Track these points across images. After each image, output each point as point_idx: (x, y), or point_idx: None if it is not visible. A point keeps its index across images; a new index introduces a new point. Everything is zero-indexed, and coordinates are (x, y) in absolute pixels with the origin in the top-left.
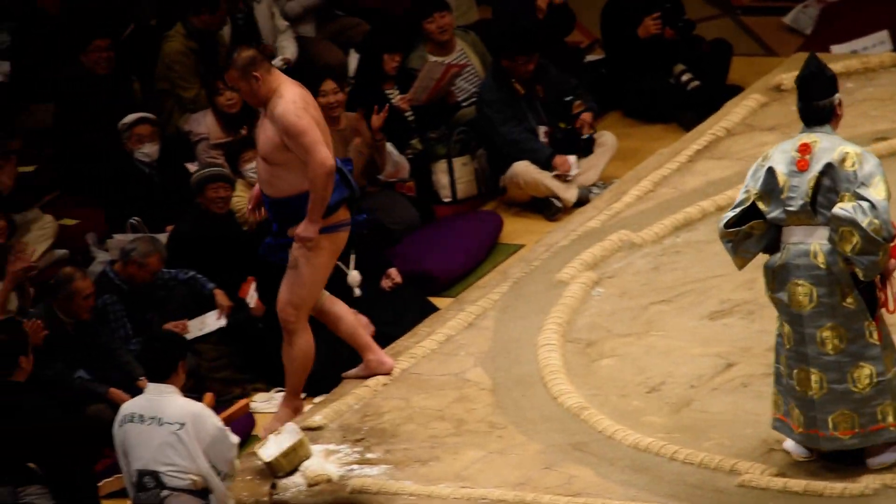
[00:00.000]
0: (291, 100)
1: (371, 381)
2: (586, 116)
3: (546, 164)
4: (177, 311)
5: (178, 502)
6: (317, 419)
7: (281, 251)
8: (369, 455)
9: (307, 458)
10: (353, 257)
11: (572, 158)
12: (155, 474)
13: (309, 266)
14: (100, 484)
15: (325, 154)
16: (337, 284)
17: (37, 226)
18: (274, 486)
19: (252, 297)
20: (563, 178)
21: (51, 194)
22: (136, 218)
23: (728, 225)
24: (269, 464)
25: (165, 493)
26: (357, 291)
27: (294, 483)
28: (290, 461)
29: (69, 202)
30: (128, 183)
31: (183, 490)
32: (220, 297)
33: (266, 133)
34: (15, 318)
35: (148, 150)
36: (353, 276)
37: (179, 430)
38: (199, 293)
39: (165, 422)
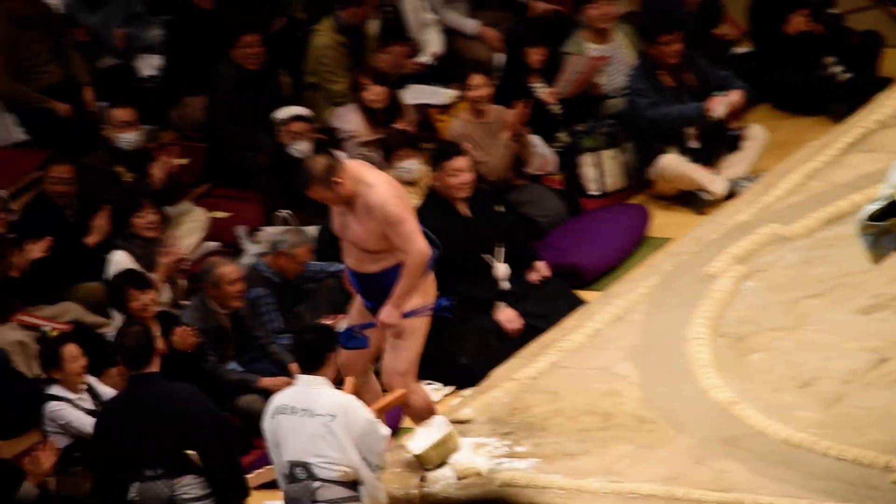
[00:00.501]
0: (384, 189)
1: (520, 375)
2: (735, 95)
3: (700, 118)
4: (326, 304)
5: (329, 493)
6: (466, 412)
7: (357, 340)
8: (518, 448)
9: (456, 450)
10: (501, 250)
11: (722, 98)
12: (306, 465)
13: (413, 336)
14: (251, 475)
15: (423, 243)
16: (484, 278)
17: (188, 218)
18: (423, 479)
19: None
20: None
21: (202, 187)
22: (286, 211)
23: (870, 218)
24: (418, 456)
25: (317, 484)
26: (504, 285)
27: (443, 476)
28: (440, 454)
29: (220, 195)
30: (283, 176)
31: (334, 481)
32: None
33: (363, 225)
34: (169, 312)
35: (301, 148)
36: (501, 269)
37: (330, 421)
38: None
39: (317, 413)
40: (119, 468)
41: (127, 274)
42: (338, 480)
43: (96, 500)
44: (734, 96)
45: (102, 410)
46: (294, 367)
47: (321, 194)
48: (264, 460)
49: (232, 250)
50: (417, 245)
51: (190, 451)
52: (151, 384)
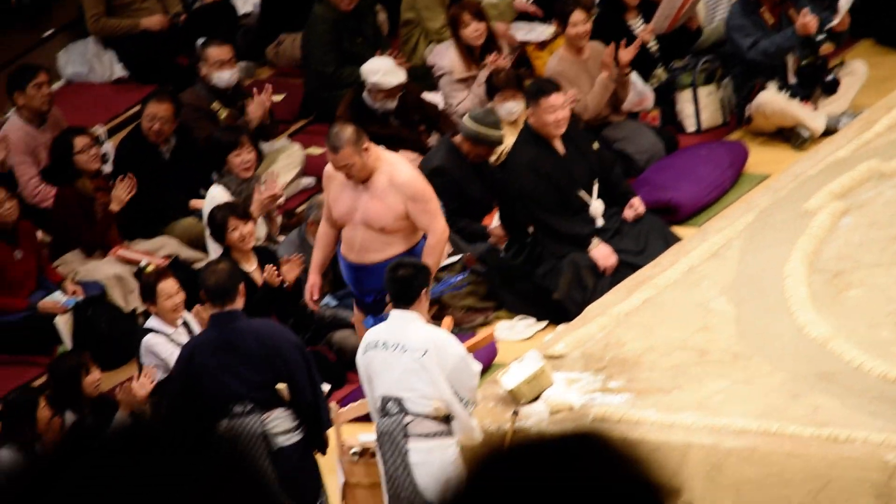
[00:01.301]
0: (410, 167)
1: (614, 310)
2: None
3: (796, 40)
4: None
5: (421, 428)
6: (559, 348)
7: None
8: (611, 384)
9: (549, 386)
10: (595, 186)
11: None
12: (398, 400)
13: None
14: (343, 409)
15: (444, 221)
16: (580, 215)
17: (284, 155)
18: (516, 414)
19: (496, 224)
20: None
21: (298, 124)
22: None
23: None
24: (511, 391)
25: (409, 418)
26: (600, 221)
27: (536, 411)
28: (532, 389)
29: (316, 132)
30: (370, 116)
31: (426, 416)
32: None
33: (383, 202)
34: (265, 247)
35: (388, 106)
36: (596, 205)
37: (423, 356)
38: None
39: (409, 348)
40: (205, 407)
41: (228, 205)
42: (429, 415)
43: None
44: (835, 19)
45: (185, 350)
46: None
47: (350, 159)
48: (358, 394)
49: None
50: (442, 223)
51: (280, 385)
52: (235, 321)
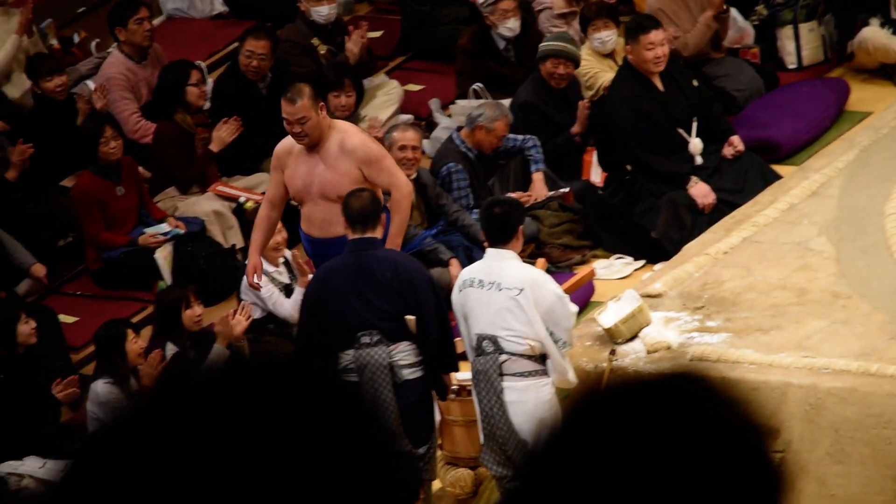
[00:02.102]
0: (358, 131)
1: (713, 249)
2: None
3: None
4: (516, 179)
5: (516, 367)
6: (657, 287)
7: None
8: (709, 323)
9: (646, 325)
10: (694, 124)
11: None
12: (494, 338)
13: None
14: None
15: (404, 176)
16: (678, 152)
17: (382, 91)
18: (613, 353)
19: (596, 171)
20: None
21: (396, 60)
22: (479, 84)
23: None
24: (608, 330)
25: (504, 357)
26: (698, 159)
27: (633, 349)
28: (630, 328)
29: (414, 68)
30: (482, 54)
31: (521, 355)
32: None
33: (337, 170)
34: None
35: (511, 25)
36: (695, 143)
37: (518, 294)
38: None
39: (504, 287)
40: (336, 334)
41: None
42: (524, 354)
43: (299, 368)
44: None
45: (319, 272)
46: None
47: (307, 112)
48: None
49: (424, 123)
50: (402, 178)
51: (408, 317)
52: (372, 249)
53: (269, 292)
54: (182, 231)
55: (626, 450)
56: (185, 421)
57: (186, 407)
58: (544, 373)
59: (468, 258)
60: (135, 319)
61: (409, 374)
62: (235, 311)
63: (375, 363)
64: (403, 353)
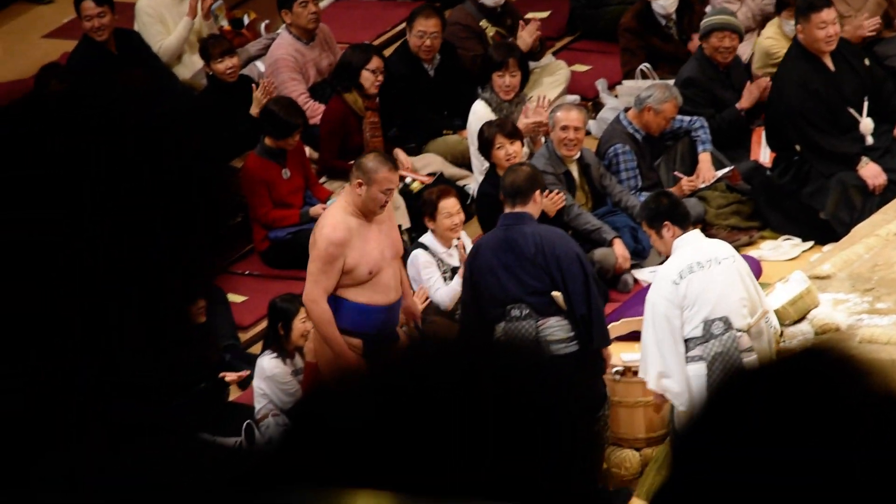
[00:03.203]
0: None
1: (883, 231)
2: None
3: None
4: (682, 161)
5: (744, 342)
6: (825, 268)
7: None
8: (879, 305)
9: (815, 306)
10: (865, 104)
11: None
12: (724, 318)
13: None
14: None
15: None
16: (849, 133)
17: (549, 72)
18: (780, 334)
19: (764, 150)
20: None
21: (563, 41)
22: (646, 64)
23: None
24: (776, 312)
25: (738, 334)
26: (869, 140)
27: (801, 331)
28: (798, 310)
29: (581, 49)
30: (645, 31)
31: (745, 330)
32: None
33: (393, 226)
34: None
35: (663, 3)
36: (866, 123)
37: (734, 262)
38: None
39: (721, 258)
40: (487, 307)
41: (498, 122)
42: (747, 328)
43: (462, 343)
44: None
45: (473, 247)
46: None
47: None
48: (620, 313)
49: (591, 104)
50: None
51: (555, 293)
52: (522, 223)
53: (430, 276)
54: None
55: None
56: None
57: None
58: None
59: (633, 238)
60: None
61: (560, 349)
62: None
63: (524, 337)
64: (553, 329)
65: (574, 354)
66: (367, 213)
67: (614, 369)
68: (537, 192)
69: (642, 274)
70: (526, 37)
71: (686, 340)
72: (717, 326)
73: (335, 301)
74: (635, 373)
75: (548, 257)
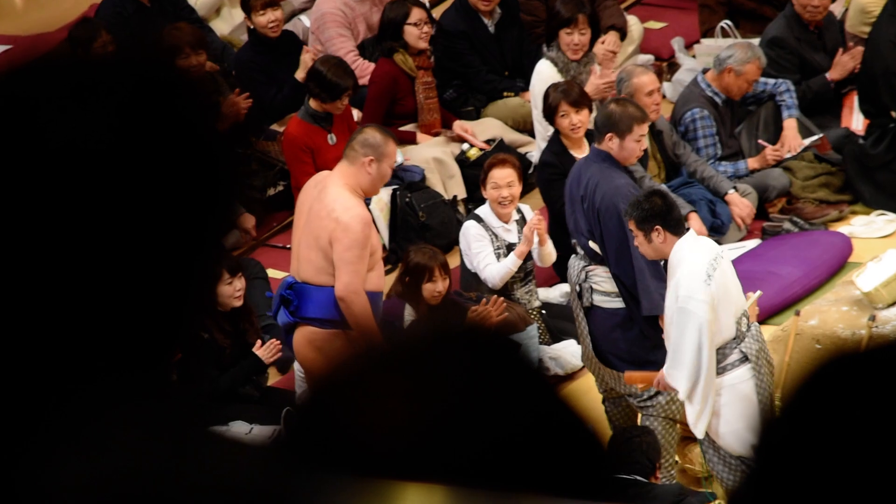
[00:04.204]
0: None
1: None
2: None
3: None
4: (764, 128)
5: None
6: None
7: None
8: None
9: None
10: None
11: None
12: (745, 311)
13: None
14: None
15: None
16: None
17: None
18: (873, 318)
19: (857, 117)
20: None
21: None
22: (727, 21)
23: None
24: (867, 294)
25: (755, 328)
26: None
27: (895, 315)
28: (891, 292)
29: (654, 4)
30: None
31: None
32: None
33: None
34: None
35: None
36: None
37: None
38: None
39: (722, 251)
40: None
41: (564, 87)
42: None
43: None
44: None
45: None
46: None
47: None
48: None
49: (666, 64)
50: None
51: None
52: (592, 163)
53: (480, 249)
54: (403, 160)
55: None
56: (411, 388)
57: (415, 372)
58: None
59: (711, 213)
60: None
61: (601, 301)
62: (489, 302)
63: (570, 276)
64: (600, 279)
65: (618, 311)
66: (372, 191)
67: None
68: (610, 134)
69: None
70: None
71: (721, 348)
72: (743, 323)
73: None
74: None
75: (592, 204)
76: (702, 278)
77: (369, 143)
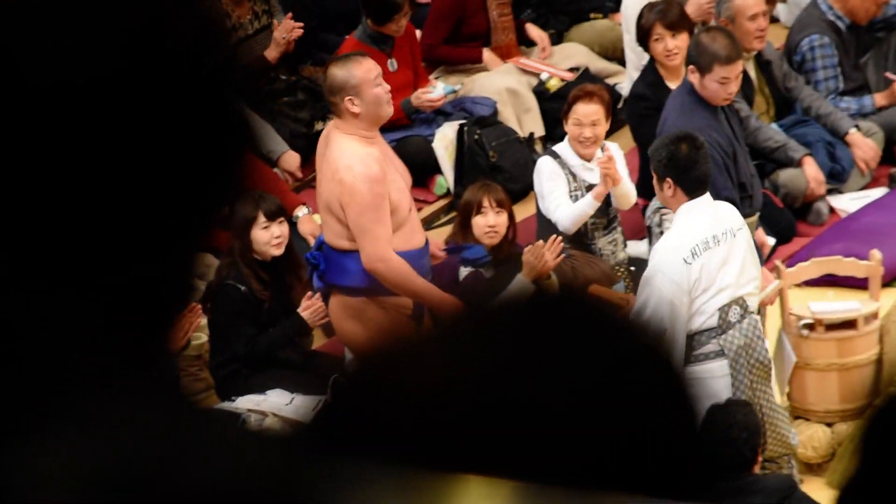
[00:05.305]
0: None
1: None
2: None
3: None
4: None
5: (760, 326)
6: None
7: None
8: None
9: None
10: None
11: None
12: (741, 300)
13: None
14: (790, 270)
15: None
16: None
17: None
18: None
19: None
20: None
21: None
22: None
23: None
24: None
25: (755, 318)
26: None
27: None
28: None
29: None
30: None
31: (757, 312)
32: None
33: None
34: None
35: None
36: None
37: (744, 230)
38: None
39: (736, 229)
40: None
41: (662, 7)
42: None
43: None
44: None
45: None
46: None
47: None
48: (810, 251)
49: None
50: None
51: None
52: (679, 93)
53: (553, 189)
54: (458, 87)
55: None
56: (471, 358)
57: (476, 344)
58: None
59: (830, 157)
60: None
61: None
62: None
63: (645, 218)
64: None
65: None
66: (378, 122)
67: (801, 322)
68: (692, 66)
69: (841, 201)
70: None
71: (696, 334)
72: (734, 313)
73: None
74: (828, 327)
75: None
76: (681, 255)
77: (335, 86)
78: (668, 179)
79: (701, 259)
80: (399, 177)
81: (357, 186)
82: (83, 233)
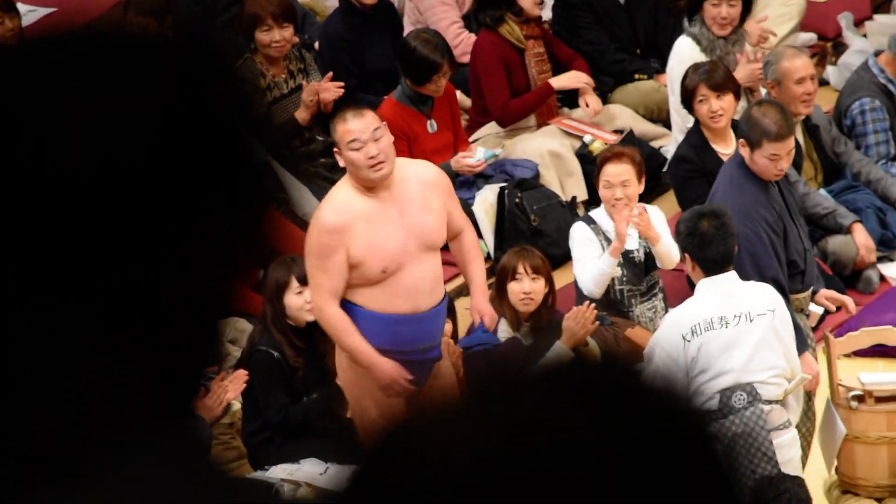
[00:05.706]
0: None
1: None
2: None
3: None
4: None
5: (776, 417)
6: None
7: None
8: None
9: None
10: None
11: None
12: (750, 387)
13: None
14: (839, 339)
15: None
16: None
17: (778, 3)
18: None
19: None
20: None
21: None
22: None
23: None
24: None
25: (767, 407)
26: None
27: None
28: None
29: None
30: None
31: (778, 400)
32: None
33: (433, 209)
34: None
35: None
36: None
37: (774, 319)
38: None
39: (757, 314)
40: None
41: (706, 67)
42: (779, 399)
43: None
44: None
45: None
46: None
47: (379, 123)
48: (859, 321)
49: (831, 44)
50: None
51: None
52: (730, 166)
53: (582, 255)
54: (499, 151)
55: None
56: (508, 427)
57: (513, 412)
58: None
59: (880, 223)
60: (449, 288)
61: None
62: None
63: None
64: None
65: None
66: (367, 181)
67: (850, 393)
68: (742, 140)
69: (892, 269)
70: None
71: None
72: (738, 398)
73: (343, 306)
74: (878, 399)
75: None
76: (680, 331)
77: (333, 136)
78: (687, 255)
79: (700, 338)
80: (391, 238)
81: (310, 231)
82: (97, 271)
